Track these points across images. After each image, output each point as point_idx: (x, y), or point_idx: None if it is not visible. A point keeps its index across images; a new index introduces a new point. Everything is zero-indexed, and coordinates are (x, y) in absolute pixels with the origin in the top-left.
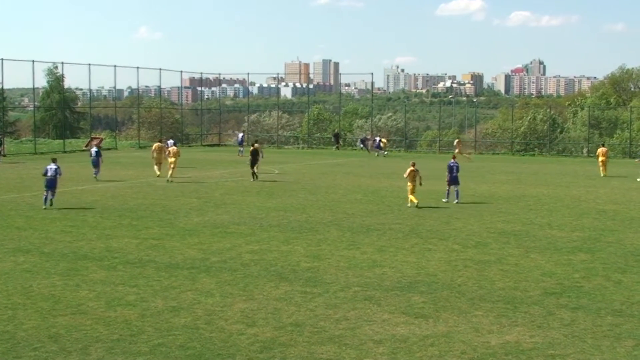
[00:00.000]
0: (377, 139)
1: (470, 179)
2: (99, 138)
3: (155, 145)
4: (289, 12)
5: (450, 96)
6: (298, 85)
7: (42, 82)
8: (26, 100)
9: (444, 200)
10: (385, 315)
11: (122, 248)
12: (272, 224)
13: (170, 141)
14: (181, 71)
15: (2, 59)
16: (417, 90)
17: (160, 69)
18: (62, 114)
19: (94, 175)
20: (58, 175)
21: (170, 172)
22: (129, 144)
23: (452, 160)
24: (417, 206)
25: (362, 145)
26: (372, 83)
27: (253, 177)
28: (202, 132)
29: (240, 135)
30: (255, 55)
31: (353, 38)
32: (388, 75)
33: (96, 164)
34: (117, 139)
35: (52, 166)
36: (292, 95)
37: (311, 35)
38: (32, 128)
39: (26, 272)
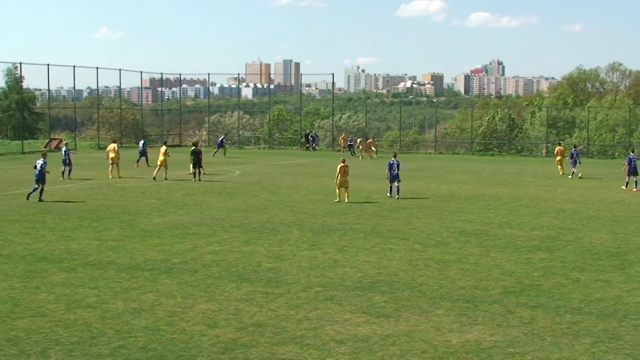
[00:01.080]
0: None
1: (431, 179)
2: (58, 139)
3: (110, 145)
4: (250, 12)
5: (410, 96)
6: (259, 85)
7: None
8: None
9: (388, 194)
10: (346, 315)
11: (82, 250)
12: (234, 224)
13: (142, 142)
14: (141, 71)
15: None
16: (378, 91)
17: (120, 70)
18: (21, 114)
19: (65, 175)
20: (45, 170)
21: (158, 171)
22: (88, 145)
23: (393, 159)
24: (347, 202)
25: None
26: (333, 83)
27: (195, 177)
28: (162, 133)
29: (222, 137)
30: (216, 56)
31: (314, 38)
32: (349, 76)
33: (67, 162)
34: (76, 139)
35: (40, 161)
36: (253, 96)
37: (272, 35)
38: None
39: None
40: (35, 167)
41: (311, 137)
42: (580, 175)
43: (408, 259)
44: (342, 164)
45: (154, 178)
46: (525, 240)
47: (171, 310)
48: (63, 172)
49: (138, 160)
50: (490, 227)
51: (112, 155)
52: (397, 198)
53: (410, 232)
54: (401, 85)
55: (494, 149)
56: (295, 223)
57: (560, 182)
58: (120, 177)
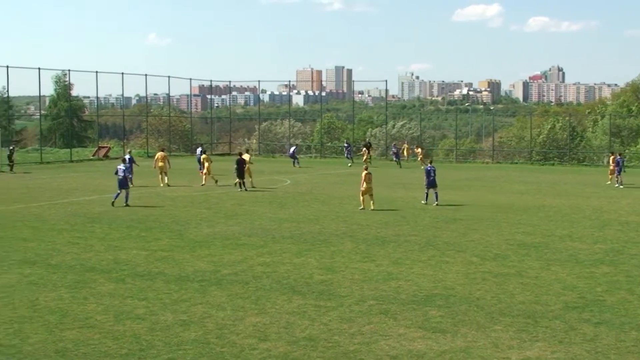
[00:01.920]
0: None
1: (488, 189)
2: (106, 147)
3: (159, 154)
4: (301, 18)
5: (466, 104)
6: (310, 92)
7: (48, 90)
8: (32, 108)
9: (423, 202)
10: (401, 329)
11: (131, 260)
12: (285, 235)
13: (199, 149)
14: (190, 78)
15: (7, 67)
16: (433, 98)
17: (169, 77)
18: (70, 122)
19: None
20: (128, 175)
21: (205, 179)
22: (137, 153)
23: (429, 165)
24: (372, 209)
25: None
26: (386, 90)
27: (240, 187)
28: (212, 141)
29: (293, 148)
30: (266, 63)
31: (367, 44)
32: (403, 83)
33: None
34: (125, 148)
35: (122, 167)
36: (304, 103)
37: (324, 41)
38: (38, 137)
39: (32, 284)
40: (117, 172)
41: (345, 145)
42: (622, 185)
43: (465, 272)
44: (365, 172)
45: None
46: (588, 254)
47: (221, 323)
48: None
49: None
50: (551, 240)
51: (160, 163)
52: (436, 204)
53: (467, 245)
54: (457, 92)
55: (554, 158)
56: (347, 234)
57: (623, 194)
58: (168, 186)
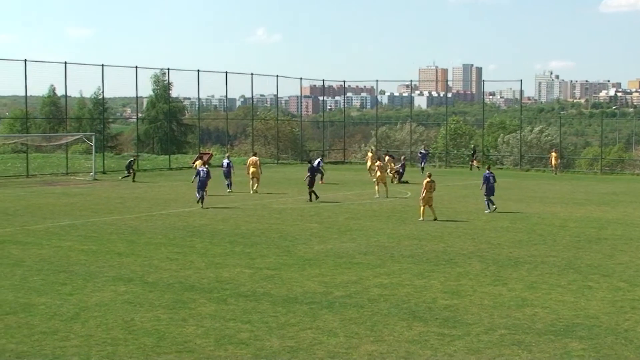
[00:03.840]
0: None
1: (639, 204)
2: (208, 153)
3: (251, 159)
4: (424, 10)
5: (614, 107)
6: (434, 93)
7: (146, 90)
8: (129, 110)
9: (486, 211)
10: None
11: (234, 279)
12: (405, 254)
13: (318, 159)
14: (301, 78)
15: (102, 65)
16: (575, 100)
17: (277, 76)
18: (169, 126)
19: (228, 189)
20: (209, 177)
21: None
22: (241, 161)
23: (488, 171)
24: (433, 219)
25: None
26: (521, 91)
27: (311, 197)
28: (324, 148)
29: (426, 151)
30: (385, 60)
31: (499, 40)
32: (540, 83)
33: (228, 174)
34: (228, 154)
35: (203, 168)
36: (428, 106)
37: (450, 37)
38: (134, 142)
39: (128, 303)
40: (199, 174)
41: (421, 152)
42: None
43: (611, 300)
44: (428, 179)
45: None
46: None
47: (333, 351)
48: (229, 185)
49: (321, 177)
50: None
51: (252, 169)
52: (494, 210)
53: (614, 268)
54: (602, 93)
55: None
56: (476, 254)
57: None
58: (256, 192)
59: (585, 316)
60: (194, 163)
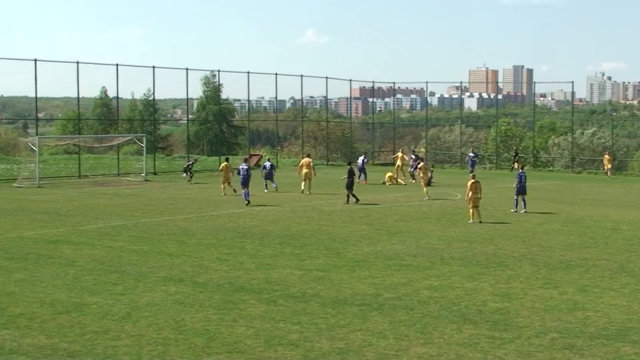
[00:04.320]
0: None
1: None
2: (258, 155)
3: (304, 160)
4: (475, 11)
5: None
6: (484, 95)
7: (196, 92)
8: (179, 112)
9: (512, 210)
10: None
11: (284, 280)
12: (455, 256)
13: (361, 158)
14: (350, 80)
15: (153, 67)
16: (627, 102)
17: (327, 77)
18: (219, 127)
19: (274, 187)
20: (249, 175)
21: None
22: (291, 162)
23: (521, 170)
24: (480, 222)
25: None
26: (573, 93)
27: (348, 199)
28: (373, 149)
29: (474, 154)
30: (435, 61)
31: (551, 41)
32: (592, 84)
33: (270, 176)
34: (278, 156)
35: (244, 166)
36: (478, 107)
37: (501, 38)
38: (185, 143)
39: (178, 303)
40: (239, 172)
41: (470, 156)
42: None
43: None
44: (472, 181)
45: (303, 192)
46: None
47: (382, 353)
48: (266, 186)
49: (365, 177)
50: None
51: (305, 170)
52: (524, 212)
53: None
54: None
55: None
56: (527, 256)
57: None
58: (309, 193)
59: (638, 320)
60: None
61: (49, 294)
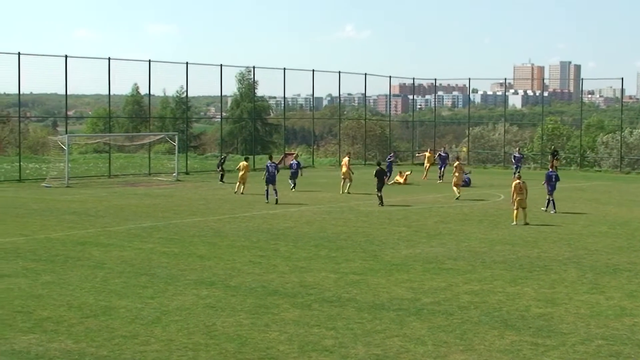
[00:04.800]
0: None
1: None
2: (293, 154)
3: (344, 160)
4: (520, 4)
5: None
6: (530, 92)
7: (231, 89)
8: (213, 110)
9: (542, 209)
10: None
11: (319, 283)
12: (497, 259)
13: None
14: (390, 76)
15: (187, 63)
16: None
17: (365, 74)
18: (253, 125)
19: (292, 188)
20: (277, 172)
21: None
22: (328, 162)
23: (550, 170)
24: (525, 224)
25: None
26: (622, 90)
27: (381, 202)
28: (413, 148)
29: (520, 154)
30: (478, 57)
31: (600, 36)
32: None
33: (295, 175)
34: (314, 155)
35: (270, 163)
36: (523, 105)
37: (547, 32)
38: (218, 142)
39: (209, 307)
40: (268, 169)
41: (515, 156)
42: None
43: None
44: (517, 181)
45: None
46: None
47: None
48: (294, 185)
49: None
50: None
51: (344, 169)
52: (554, 212)
53: None
54: None
55: None
56: (572, 260)
57: None
58: (348, 193)
59: None
60: (279, 163)
61: (77, 297)
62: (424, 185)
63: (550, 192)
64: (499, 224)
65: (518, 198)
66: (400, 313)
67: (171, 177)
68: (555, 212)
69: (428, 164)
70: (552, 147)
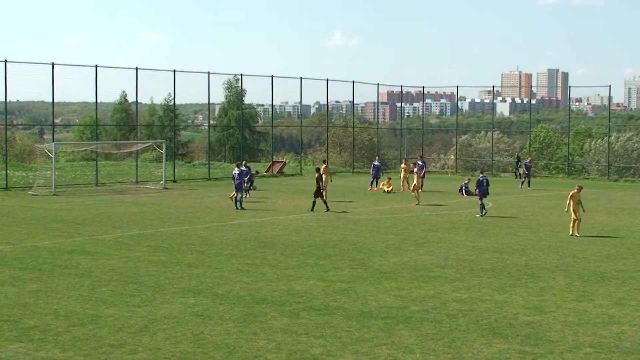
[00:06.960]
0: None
1: None
2: (281, 162)
3: (323, 167)
4: (509, 13)
5: None
6: (518, 100)
7: (218, 97)
8: (200, 117)
9: (477, 215)
10: None
11: (307, 292)
12: (485, 267)
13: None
14: (378, 84)
15: (174, 71)
16: None
17: (353, 82)
18: (241, 133)
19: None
20: (243, 178)
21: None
22: (316, 170)
23: (481, 175)
24: (578, 235)
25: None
26: (610, 97)
27: (326, 206)
28: (401, 156)
29: (527, 162)
30: (466, 65)
31: (588, 43)
32: (630, 88)
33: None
34: (302, 163)
35: (236, 171)
36: (511, 113)
37: (535, 40)
38: (206, 150)
39: (197, 316)
40: (234, 177)
41: (526, 165)
42: None
43: None
44: (574, 191)
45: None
46: None
47: None
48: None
49: (372, 183)
50: None
51: (324, 177)
52: (479, 216)
53: None
54: None
55: None
56: (560, 268)
57: None
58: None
59: None
60: (266, 171)
61: (64, 306)
62: (408, 194)
63: (481, 197)
64: (487, 232)
65: (573, 207)
66: (388, 321)
67: (159, 185)
68: (482, 216)
69: (405, 175)
70: (517, 154)
